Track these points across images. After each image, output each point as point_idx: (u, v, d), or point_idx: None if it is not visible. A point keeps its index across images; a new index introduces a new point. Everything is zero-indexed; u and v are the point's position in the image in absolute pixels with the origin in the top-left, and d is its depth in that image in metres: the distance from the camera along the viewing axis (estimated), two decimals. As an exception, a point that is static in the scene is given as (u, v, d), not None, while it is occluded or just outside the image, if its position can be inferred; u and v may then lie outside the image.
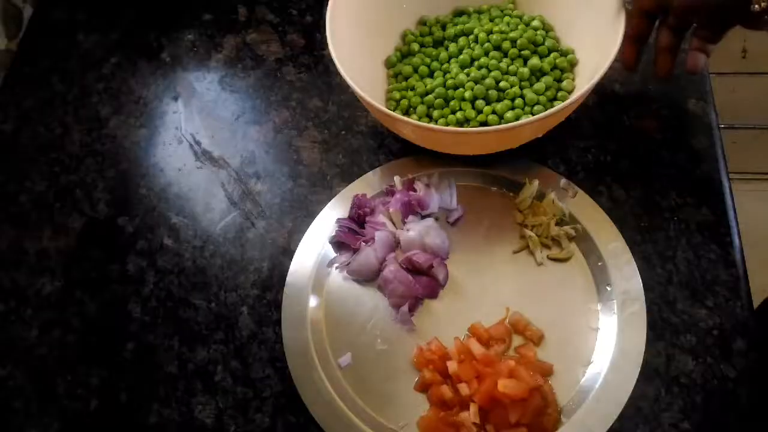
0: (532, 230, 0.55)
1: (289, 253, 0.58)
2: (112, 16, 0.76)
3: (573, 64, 0.59)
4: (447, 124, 0.57)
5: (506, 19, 0.62)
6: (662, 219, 0.55)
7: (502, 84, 0.57)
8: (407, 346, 0.52)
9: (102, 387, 0.55)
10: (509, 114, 0.55)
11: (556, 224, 0.55)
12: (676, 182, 0.57)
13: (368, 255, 0.55)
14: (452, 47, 0.61)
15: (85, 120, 0.69)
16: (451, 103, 0.58)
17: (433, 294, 0.54)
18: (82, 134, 0.68)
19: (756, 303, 0.56)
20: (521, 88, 0.57)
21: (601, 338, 0.51)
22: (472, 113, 0.56)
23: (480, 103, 0.57)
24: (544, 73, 0.58)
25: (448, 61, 0.61)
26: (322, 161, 0.63)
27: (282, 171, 0.63)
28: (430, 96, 0.58)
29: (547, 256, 0.55)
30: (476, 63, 0.59)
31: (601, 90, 0.63)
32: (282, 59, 0.71)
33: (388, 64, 0.63)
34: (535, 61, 0.58)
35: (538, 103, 0.56)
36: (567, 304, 0.52)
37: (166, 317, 0.57)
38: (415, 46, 0.62)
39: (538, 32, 0.60)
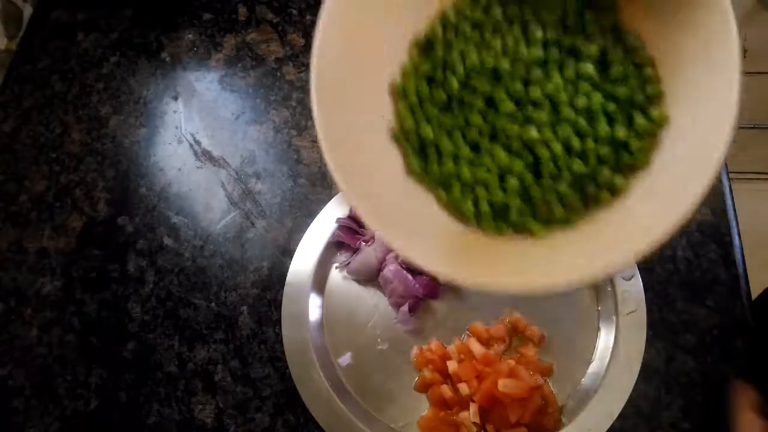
0: (532, 230, 0.55)
1: (289, 252, 0.58)
2: (111, 16, 0.76)
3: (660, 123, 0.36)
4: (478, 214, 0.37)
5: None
6: (662, 219, 0.55)
7: (577, 121, 0.36)
8: (407, 346, 0.52)
9: (102, 387, 0.55)
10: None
11: (556, 224, 0.55)
12: (676, 182, 0.57)
13: (368, 255, 0.55)
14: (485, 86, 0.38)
15: (85, 120, 0.69)
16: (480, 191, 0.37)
17: (433, 294, 0.54)
18: (82, 134, 0.68)
19: (756, 303, 0.56)
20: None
21: (601, 338, 0.51)
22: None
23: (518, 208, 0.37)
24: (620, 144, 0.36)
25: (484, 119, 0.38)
26: (322, 161, 0.63)
27: (282, 170, 0.63)
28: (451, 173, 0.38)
29: (547, 256, 0.54)
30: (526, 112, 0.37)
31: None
32: (282, 59, 0.71)
33: (395, 93, 0.39)
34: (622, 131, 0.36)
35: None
36: (567, 304, 0.52)
37: (166, 317, 0.57)
38: (434, 109, 0.38)
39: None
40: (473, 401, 0.47)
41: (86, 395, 0.54)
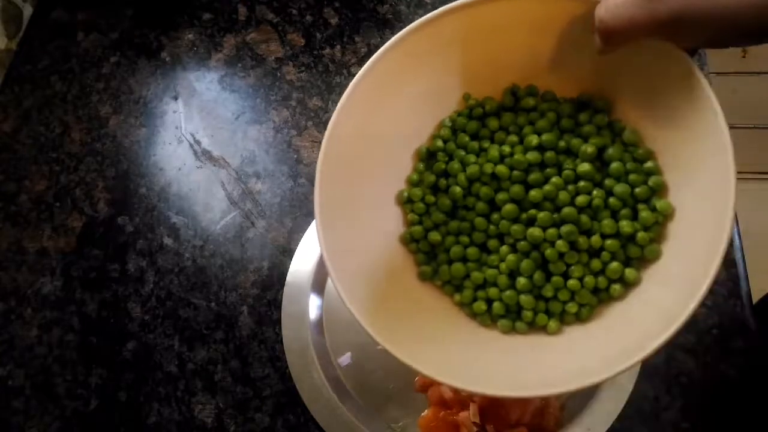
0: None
1: (289, 252, 0.58)
2: (111, 15, 0.76)
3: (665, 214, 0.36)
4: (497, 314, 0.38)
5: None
6: (662, 219, 0.55)
7: (579, 200, 0.37)
8: (407, 345, 0.52)
9: (102, 387, 0.55)
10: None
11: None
12: (676, 182, 0.57)
13: (368, 255, 0.55)
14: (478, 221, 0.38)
15: (85, 119, 0.69)
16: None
17: (433, 294, 0.54)
18: (81, 134, 0.68)
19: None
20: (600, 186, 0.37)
21: (601, 338, 0.51)
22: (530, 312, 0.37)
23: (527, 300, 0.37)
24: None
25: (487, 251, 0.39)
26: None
27: (282, 170, 0.63)
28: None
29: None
30: (521, 222, 0.37)
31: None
32: (282, 59, 0.71)
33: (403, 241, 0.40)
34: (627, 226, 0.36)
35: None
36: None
37: (166, 317, 0.57)
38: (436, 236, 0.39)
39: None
40: (473, 401, 0.47)
41: (86, 395, 0.54)
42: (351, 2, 0.72)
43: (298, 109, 0.67)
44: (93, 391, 0.55)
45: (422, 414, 0.49)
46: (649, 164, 0.36)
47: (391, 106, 0.39)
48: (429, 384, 0.50)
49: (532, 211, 0.37)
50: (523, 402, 0.46)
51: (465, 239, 0.39)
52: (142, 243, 0.61)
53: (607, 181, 0.36)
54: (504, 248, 0.38)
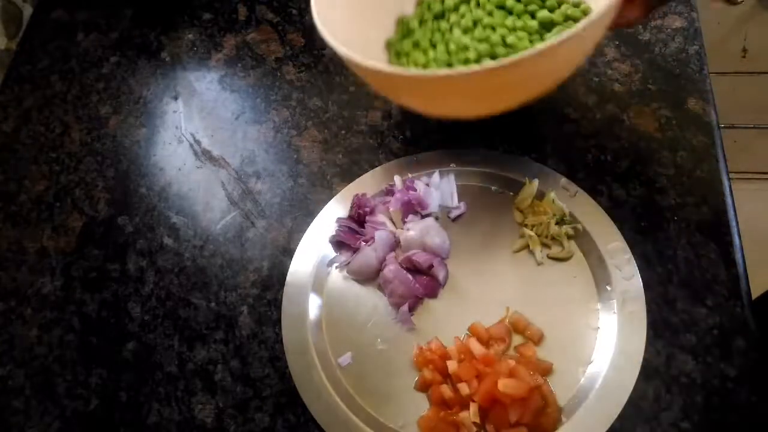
0: (532, 230, 0.55)
1: (289, 252, 0.58)
2: (111, 15, 0.76)
3: (586, 13, 0.54)
4: None
5: None
6: (662, 219, 0.55)
7: (509, 40, 0.52)
8: (407, 345, 0.52)
9: (102, 387, 0.55)
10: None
11: (556, 224, 0.55)
12: (676, 182, 0.57)
13: (368, 255, 0.55)
14: (453, 17, 0.56)
15: (85, 119, 0.69)
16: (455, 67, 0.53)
17: (433, 294, 0.54)
18: (81, 134, 0.68)
19: (756, 303, 0.56)
20: (531, 42, 0.53)
21: (601, 338, 0.51)
22: None
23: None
24: (555, 25, 0.54)
25: (451, 30, 0.56)
26: (322, 161, 0.63)
27: (282, 170, 0.63)
28: (433, 64, 0.54)
29: (547, 256, 0.55)
30: (480, 24, 0.55)
31: (600, 89, 0.63)
32: (282, 59, 0.71)
33: (388, 45, 0.59)
34: (543, 14, 0.53)
35: None
36: (567, 304, 0.52)
37: (166, 317, 0.57)
38: (415, 23, 0.58)
39: None
40: (473, 401, 0.47)
41: (86, 395, 0.54)
42: (351, 2, 0.72)
43: (298, 109, 0.67)
44: (93, 391, 0.55)
45: (422, 414, 0.49)
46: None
47: None
48: (429, 383, 0.50)
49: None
50: (522, 402, 0.46)
51: (427, 31, 0.57)
52: (142, 243, 0.61)
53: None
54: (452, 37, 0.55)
